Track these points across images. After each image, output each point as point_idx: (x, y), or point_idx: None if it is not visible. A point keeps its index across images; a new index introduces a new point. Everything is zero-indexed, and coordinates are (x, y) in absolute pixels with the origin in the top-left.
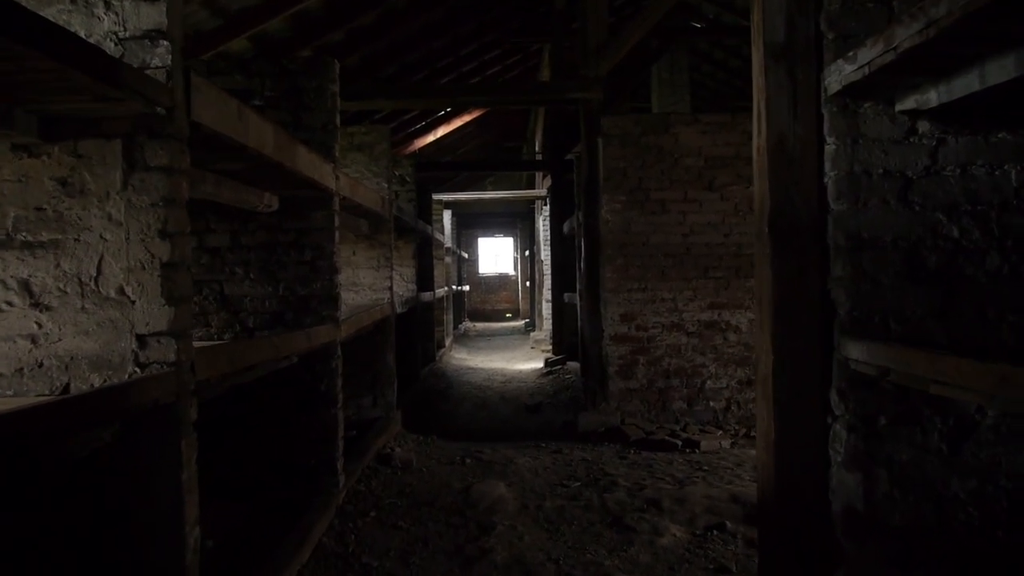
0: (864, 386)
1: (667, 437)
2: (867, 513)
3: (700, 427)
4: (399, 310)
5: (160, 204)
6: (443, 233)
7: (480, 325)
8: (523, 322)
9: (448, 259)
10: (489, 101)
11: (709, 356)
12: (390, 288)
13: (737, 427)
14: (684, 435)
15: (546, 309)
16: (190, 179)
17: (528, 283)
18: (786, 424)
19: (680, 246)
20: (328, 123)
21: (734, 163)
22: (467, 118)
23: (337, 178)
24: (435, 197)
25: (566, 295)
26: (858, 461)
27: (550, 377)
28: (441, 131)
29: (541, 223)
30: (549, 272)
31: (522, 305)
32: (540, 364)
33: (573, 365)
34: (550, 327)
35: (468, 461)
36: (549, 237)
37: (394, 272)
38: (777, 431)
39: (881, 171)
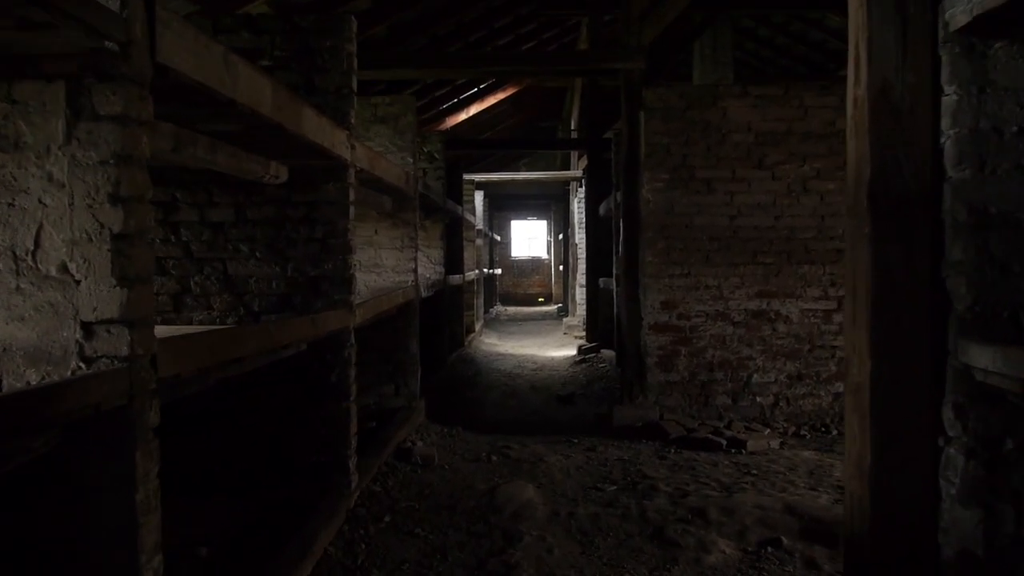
0: (988, 401)
1: (710, 435)
2: (988, 559)
3: (745, 424)
4: (424, 294)
5: (111, 162)
6: (474, 214)
7: (512, 309)
8: (556, 307)
9: (479, 241)
10: (524, 72)
11: (756, 348)
12: (414, 270)
13: (786, 425)
14: (729, 433)
15: (579, 294)
16: (176, 140)
17: (561, 267)
18: (886, 446)
19: (727, 229)
20: (343, 86)
21: (786, 140)
22: (501, 96)
23: (352, 147)
24: (466, 177)
25: (601, 280)
26: (978, 495)
27: (583, 366)
28: (474, 109)
29: (576, 205)
30: (583, 256)
31: (555, 289)
32: (573, 351)
33: (608, 353)
34: (583, 313)
35: (494, 458)
36: (584, 219)
37: (420, 253)
38: (874, 454)
39: (1015, 129)
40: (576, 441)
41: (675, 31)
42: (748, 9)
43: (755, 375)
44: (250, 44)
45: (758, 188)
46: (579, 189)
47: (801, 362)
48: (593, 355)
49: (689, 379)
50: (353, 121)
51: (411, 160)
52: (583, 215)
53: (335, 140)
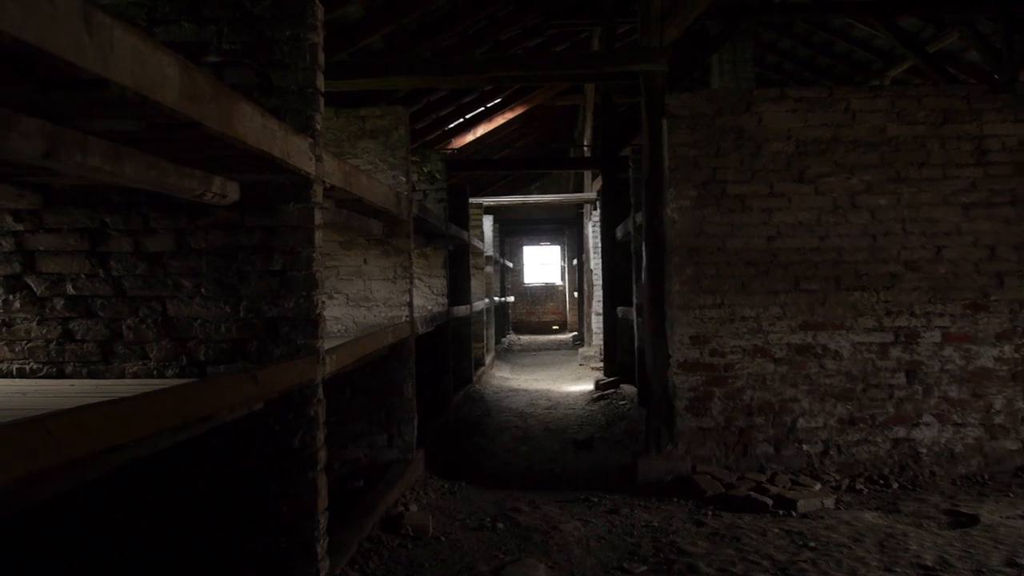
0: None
1: (752, 493)
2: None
3: (792, 477)
4: (423, 329)
5: None
6: (483, 240)
7: (525, 338)
8: (571, 335)
9: (489, 268)
10: (531, 77)
11: (801, 388)
12: (409, 304)
13: (838, 477)
14: (773, 490)
15: (595, 323)
16: (49, 142)
17: (576, 294)
18: None
19: (765, 252)
20: (307, 85)
21: (832, 148)
22: (509, 115)
23: (318, 159)
24: (474, 201)
25: (619, 309)
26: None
27: (602, 403)
28: (481, 130)
29: (590, 229)
30: (600, 283)
31: (570, 317)
32: (590, 386)
33: (628, 389)
34: (600, 343)
35: (500, 525)
36: (600, 244)
37: (420, 283)
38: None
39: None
40: (596, 501)
41: (691, 45)
42: (769, 15)
43: (801, 419)
44: (193, 36)
45: (800, 204)
46: (593, 212)
47: (854, 404)
48: (612, 391)
49: (724, 425)
50: (319, 127)
51: (404, 179)
52: (598, 239)
53: (292, 148)
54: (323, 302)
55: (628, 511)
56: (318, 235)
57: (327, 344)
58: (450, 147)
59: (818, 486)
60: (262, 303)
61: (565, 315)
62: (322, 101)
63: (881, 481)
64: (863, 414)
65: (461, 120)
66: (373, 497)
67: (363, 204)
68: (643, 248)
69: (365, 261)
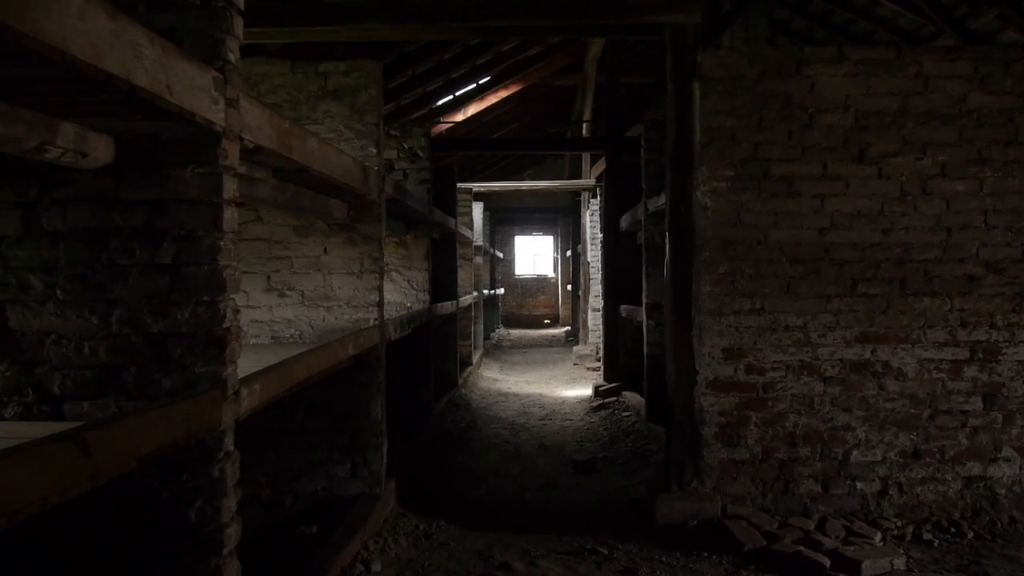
0: None
1: (802, 548)
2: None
3: (844, 523)
4: (396, 334)
5: None
6: (472, 229)
7: (515, 333)
8: (563, 330)
9: (479, 259)
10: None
11: (856, 414)
12: (378, 303)
13: (899, 524)
14: (826, 542)
15: (592, 319)
16: None
17: (569, 287)
18: None
19: (815, 247)
20: None
21: (899, 122)
22: (503, 93)
23: (230, 103)
24: (463, 187)
25: (623, 308)
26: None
27: (603, 414)
28: (472, 109)
29: (588, 218)
30: (599, 276)
31: (562, 311)
32: (587, 391)
33: (633, 399)
34: (598, 341)
35: None
36: (600, 234)
37: (398, 277)
38: None
39: None
40: (607, 553)
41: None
42: None
43: (855, 452)
44: None
45: (859, 190)
46: (592, 201)
47: (919, 434)
48: (613, 399)
49: (762, 457)
50: (234, 58)
51: (374, 150)
52: (596, 230)
53: (177, 80)
54: (236, 311)
55: (648, 571)
56: (229, 214)
57: (248, 365)
58: (438, 127)
59: (878, 536)
60: (144, 312)
61: (557, 309)
62: (240, 22)
63: (952, 529)
64: (930, 446)
65: (450, 97)
66: (326, 553)
67: (314, 177)
68: (666, 240)
69: (325, 251)
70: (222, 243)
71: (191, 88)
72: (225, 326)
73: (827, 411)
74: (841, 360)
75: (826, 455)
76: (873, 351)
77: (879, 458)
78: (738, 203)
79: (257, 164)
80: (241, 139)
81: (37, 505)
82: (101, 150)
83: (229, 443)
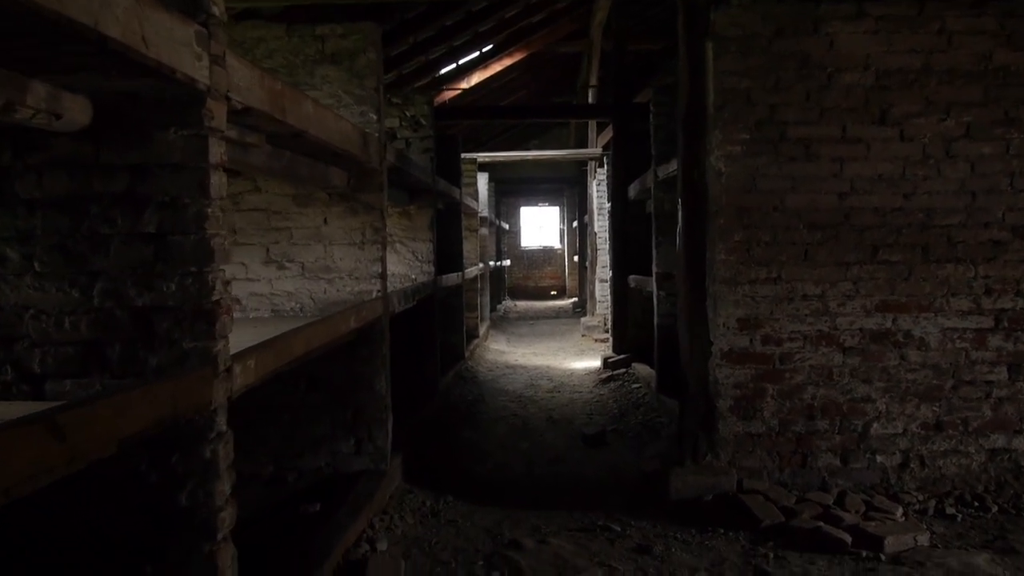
0: None
1: (822, 524)
2: None
3: (864, 497)
4: (400, 307)
5: None
6: (477, 200)
7: (522, 304)
8: (570, 302)
9: (484, 230)
10: None
11: (877, 385)
12: (381, 275)
13: (921, 497)
14: (847, 517)
15: (600, 290)
16: None
17: (576, 258)
18: None
19: (834, 212)
20: None
21: (922, 80)
22: (507, 61)
23: (215, 60)
24: (467, 157)
25: (632, 278)
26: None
27: (612, 386)
28: (476, 78)
29: (594, 188)
30: (606, 247)
31: (568, 282)
32: (596, 363)
33: (642, 370)
34: (606, 312)
35: (495, 574)
36: (608, 204)
37: (402, 248)
38: None
39: None
40: (619, 530)
41: None
42: None
43: (875, 424)
44: None
45: (880, 152)
46: (599, 170)
47: (941, 405)
48: (623, 371)
49: (779, 430)
50: (219, 11)
51: (374, 116)
52: (603, 200)
53: (154, 32)
54: (226, 283)
55: (663, 549)
56: (217, 179)
57: (246, 339)
58: (441, 96)
59: (900, 511)
60: (128, 285)
61: (564, 280)
62: None
63: (976, 503)
64: (953, 418)
65: (454, 66)
66: (330, 534)
67: (311, 143)
68: (678, 207)
69: (325, 221)
70: (209, 210)
71: (170, 42)
72: (214, 299)
73: (846, 382)
74: (861, 330)
75: (845, 428)
76: (894, 320)
77: (900, 430)
78: (753, 168)
79: (248, 128)
80: (228, 99)
81: (2, 496)
82: (77, 111)
83: (221, 423)
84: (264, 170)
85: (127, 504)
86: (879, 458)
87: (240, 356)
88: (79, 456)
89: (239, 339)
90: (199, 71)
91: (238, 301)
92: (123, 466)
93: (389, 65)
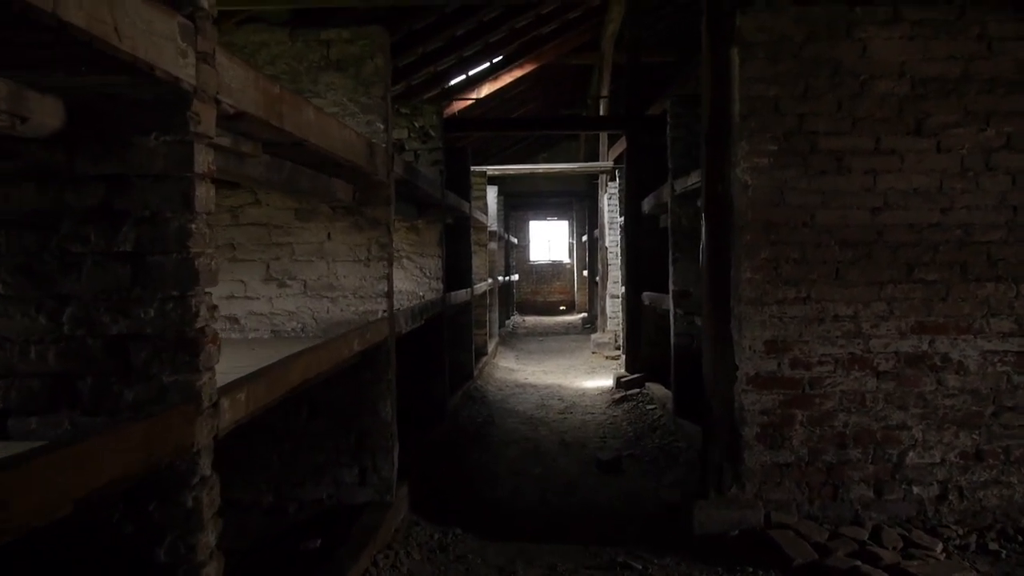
0: None
1: (858, 563)
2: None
3: (901, 532)
4: (407, 327)
5: None
6: (486, 214)
7: (531, 320)
8: (579, 317)
9: (493, 245)
10: None
11: (913, 412)
12: (387, 294)
13: (960, 532)
14: (885, 556)
15: (611, 306)
16: None
17: (585, 273)
18: None
19: (867, 229)
20: None
21: (960, 89)
22: (517, 73)
23: (202, 58)
24: (476, 170)
25: (646, 295)
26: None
27: (626, 407)
28: (486, 90)
29: (606, 202)
30: (618, 262)
31: (578, 297)
32: (608, 382)
33: (657, 391)
34: (616, 329)
35: None
36: (620, 218)
37: (409, 264)
38: None
39: None
40: (640, 568)
41: None
42: None
43: (911, 453)
44: None
45: (915, 165)
46: (610, 184)
47: (982, 433)
48: (637, 391)
49: (809, 460)
50: (206, 3)
51: (382, 126)
52: (614, 214)
53: (128, 22)
54: (212, 308)
55: None
56: (203, 191)
57: (243, 363)
58: (451, 108)
59: (939, 546)
60: (101, 310)
61: (573, 295)
62: None
63: (1020, 537)
64: (993, 446)
65: (463, 77)
66: (330, 574)
67: (313, 154)
68: (702, 222)
69: (329, 236)
70: (194, 226)
71: (149, 34)
72: (198, 326)
73: (880, 409)
74: (896, 353)
75: (879, 457)
76: (931, 342)
77: (937, 460)
78: (782, 181)
79: (243, 136)
80: (218, 102)
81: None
82: (47, 114)
83: (205, 466)
84: (262, 182)
85: (97, 559)
86: (915, 489)
87: (228, 389)
88: (18, 524)
89: (234, 363)
90: (183, 69)
91: (236, 321)
92: (94, 516)
93: (397, 76)
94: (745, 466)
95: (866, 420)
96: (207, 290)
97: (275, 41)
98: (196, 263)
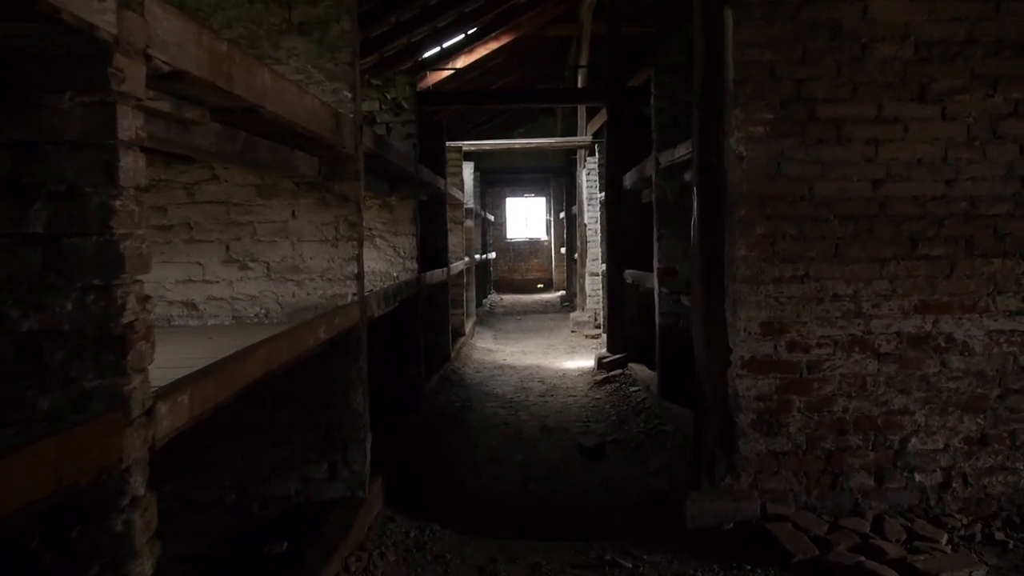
0: None
1: (862, 558)
2: None
3: (904, 523)
4: (380, 310)
5: None
6: (463, 190)
7: (508, 298)
8: (558, 295)
9: (469, 222)
10: None
11: (916, 396)
12: (357, 276)
13: (965, 521)
14: (889, 549)
15: (590, 284)
16: None
17: (563, 250)
18: None
19: (869, 202)
20: None
21: (966, 52)
22: (493, 45)
23: (124, 3)
24: (452, 145)
25: (628, 273)
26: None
27: (608, 388)
28: (461, 62)
29: (584, 178)
30: (597, 239)
31: (555, 275)
32: (589, 362)
33: (640, 371)
34: (596, 307)
35: None
36: (600, 194)
37: (382, 243)
38: None
39: None
40: (630, 566)
41: None
42: None
43: (913, 439)
44: None
45: (919, 133)
46: (588, 159)
47: (987, 417)
48: (619, 371)
49: (806, 447)
50: None
51: (349, 94)
52: (593, 189)
53: None
54: (144, 299)
55: None
56: (130, 162)
57: (198, 354)
58: (425, 81)
59: (944, 537)
60: (9, 303)
61: (551, 273)
62: None
63: None
64: (999, 431)
65: (438, 49)
66: None
67: (271, 122)
68: (693, 197)
69: (293, 214)
70: (119, 203)
71: None
72: (126, 321)
73: (881, 393)
74: (898, 333)
75: (880, 443)
76: (935, 322)
77: (941, 446)
78: (778, 151)
79: (186, 100)
80: (148, 57)
81: None
82: None
83: (138, 484)
84: (214, 153)
85: None
86: (918, 477)
87: (168, 392)
88: None
89: (186, 355)
90: (100, 15)
91: (194, 307)
92: (6, 543)
93: (369, 47)
94: (740, 455)
95: (867, 405)
96: (137, 278)
97: (231, 3)
98: (122, 247)
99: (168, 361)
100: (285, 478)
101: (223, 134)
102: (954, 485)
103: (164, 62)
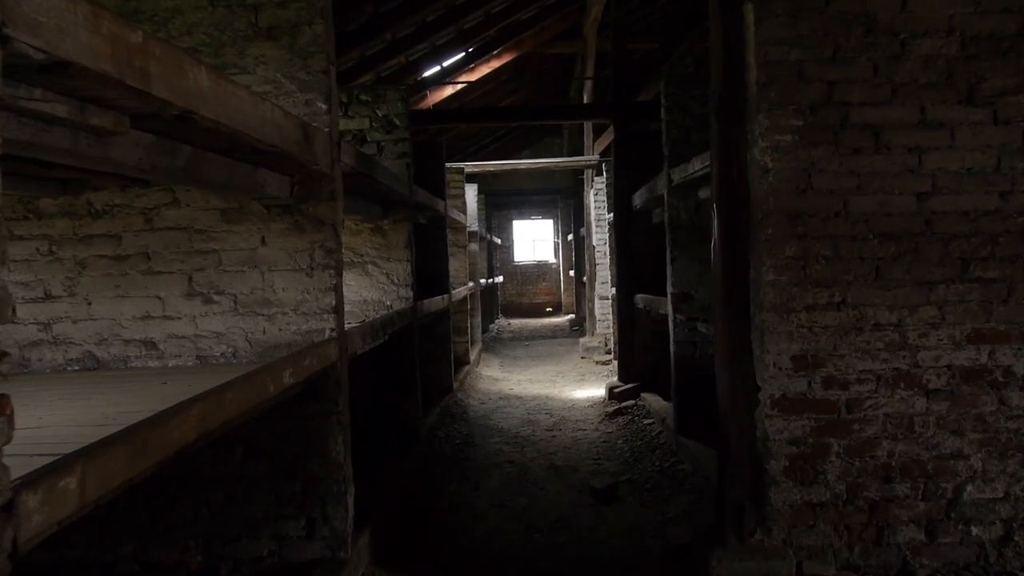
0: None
1: None
2: None
3: None
4: (365, 346)
5: None
6: (465, 213)
7: (516, 323)
8: (567, 319)
9: (474, 246)
10: None
11: (970, 437)
12: (335, 308)
13: None
14: None
15: (599, 308)
16: None
17: (572, 273)
18: None
19: (912, 218)
20: None
21: (1019, 47)
22: (495, 63)
23: None
24: (453, 166)
25: (639, 298)
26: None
27: (620, 420)
28: (461, 80)
29: (592, 198)
30: (606, 261)
31: (564, 298)
32: (600, 391)
33: (654, 403)
34: (606, 332)
35: None
36: (608, 215)
37: (374, 270)
38: None
39: None
40: None
41: None
42: None
43: (968, 487)
44: None
45: (968, 140)
46: (596, 179)
47: None
48: (632, 403)
49: (847, 497)
50: None
51: (324, 106)
52: (602, 210)
53: None
54: (2, 356)
55: None
56: None
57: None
58: (425, 102)
59: None
60: None
61: (559, 296)
62: None
63: None
64: None
65: (437, 68)
66: None
67: (223, 135)
68: (713, 214)
69: (263, 241)
70: None
71: None
72: None
73: (931, 435)
74: (949, 367)
75: (931, 492)
76: (991, 354)
77: (1000, 494)
78: (808, 162)
79: (93, 103)
80: (6, 40)
81: None
82: None
83: None
84: (147, 170)
85: None
86: (975, 530)
87: (42, 477)
88: None
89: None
90: None
91: (153, 346)
92: None
93: (365, 65)
94: (771, 506)
95: (915, 448)
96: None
97: (191, 6)
98: None
99: (94, 417)
100: (257, 537)
101: (157, 147)
102: (1016, 538)
103: (37, 48)
